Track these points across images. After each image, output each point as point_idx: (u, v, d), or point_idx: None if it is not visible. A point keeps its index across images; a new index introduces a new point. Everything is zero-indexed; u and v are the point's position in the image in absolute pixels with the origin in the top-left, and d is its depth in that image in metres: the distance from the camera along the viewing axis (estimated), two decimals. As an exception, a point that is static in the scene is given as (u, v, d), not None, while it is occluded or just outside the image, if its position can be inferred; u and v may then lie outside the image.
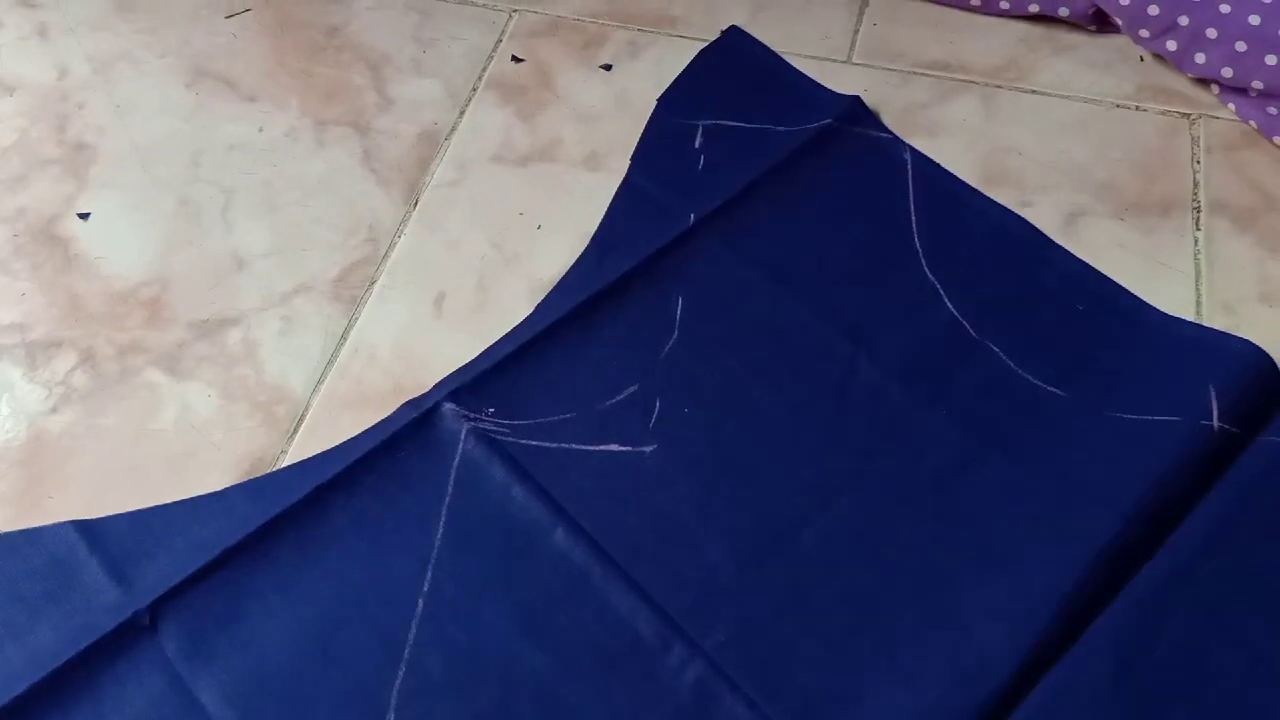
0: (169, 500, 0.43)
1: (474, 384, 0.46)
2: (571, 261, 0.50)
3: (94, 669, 0.39)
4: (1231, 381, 0.45)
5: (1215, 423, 0.44)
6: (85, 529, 0.42)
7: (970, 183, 0.53)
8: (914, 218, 0.51)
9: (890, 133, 0.55)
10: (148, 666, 0.39)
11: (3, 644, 0.39)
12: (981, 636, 0.39)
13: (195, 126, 0.56)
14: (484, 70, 0.57)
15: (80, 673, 0.38)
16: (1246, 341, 0.46)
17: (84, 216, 0.53)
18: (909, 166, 0.53)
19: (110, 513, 0.43)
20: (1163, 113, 0.55)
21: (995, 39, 0.58)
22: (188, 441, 0.45)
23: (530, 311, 0.49)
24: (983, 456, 0.43)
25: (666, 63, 0.57)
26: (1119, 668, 0.38)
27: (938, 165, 0.53)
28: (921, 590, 0.40)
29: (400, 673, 0.39)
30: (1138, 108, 0.55)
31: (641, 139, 0.55)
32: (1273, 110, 0.53)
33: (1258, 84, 0.53)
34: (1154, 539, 0.41)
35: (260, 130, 0.56)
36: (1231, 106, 0.55)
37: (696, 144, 0.54)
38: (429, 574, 0.41)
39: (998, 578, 0.40)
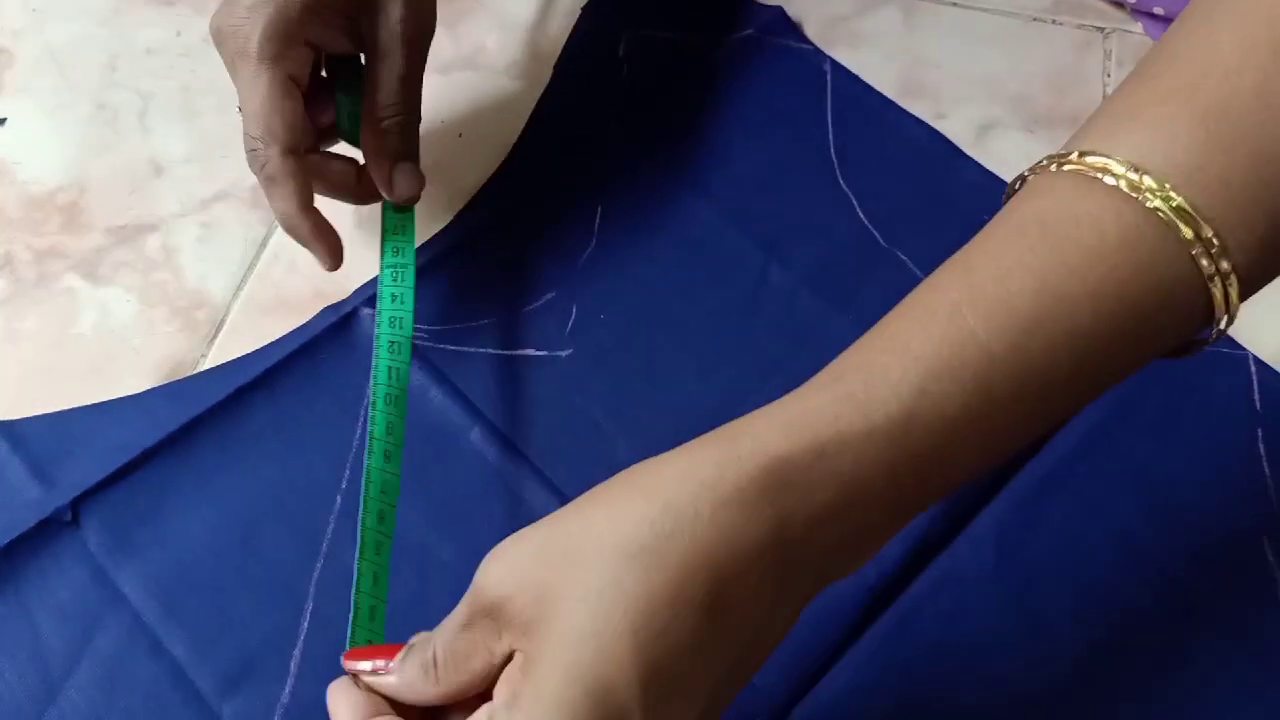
0: (89, 402, 0.44)
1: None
2: (492, 171, 0.51)
3: (17, 563, 0.40)
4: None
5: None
6: (6, 429, 0.42)
7: (888, 95, 0.54)
8: (830, 129, 0.52)
9: (811, 44, 0.55)
10: (70, 560, 0.40)
11: (-75, 540, 0.40)
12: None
13: (112, 30, 0.55)
14: (407, -24, 0.57)
15: (3, 566, 0.39)
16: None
17: (0, 121, 0.52)
18: (828, 78, 0.54)
19: (31, 414, 0.43)
20: (1078, 26, 0.56)
21: (918, -49, 0.58)
22: (107, 346, 0.46)
23: (450, 219, 0.49)
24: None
25: (591, -30, 0.57)
26: (1000, 555, 0.41)
27: (856, 78, 0.54)
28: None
29: (319, 565, 0.40)
30: (1054, 21, 0.56)
31: (564, 48, 0.55)
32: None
33: (1159, 9, 0.54)
34: (1038, 441, 0.43)
35: (178, 34, 0.55)
36: (1139, 26, 0.56)
37: (620, 53, 0.55)
38: (346, 472, 0.42)
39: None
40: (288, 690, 0.38)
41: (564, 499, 0.42)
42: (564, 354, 0.46)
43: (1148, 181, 0.29)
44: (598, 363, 0.46)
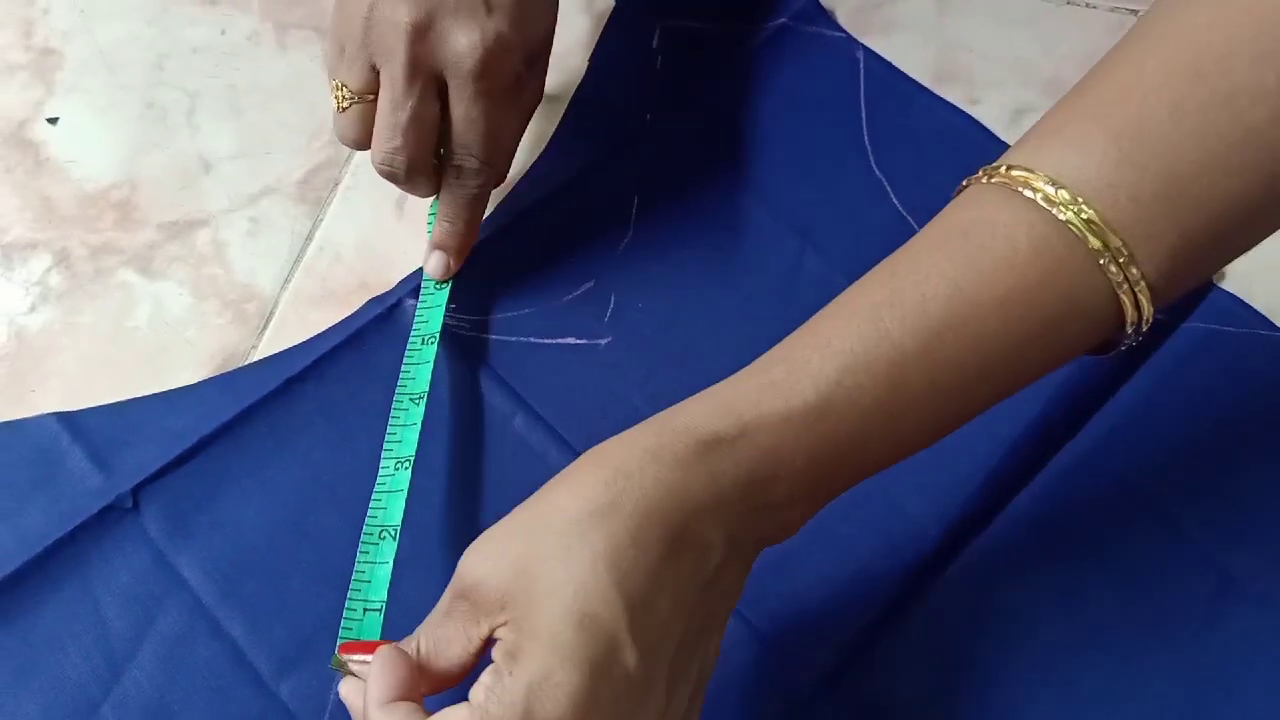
0: (146, 393, 0.45)
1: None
2: (531, 162, 0.52)
3: (81, 548, 0.41)
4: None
5: (1141, 310, 0.46)
6: (67, 420, 0.44)
7: (921, 80, 0.54)
8: (864, 116, 0.53)
9: (844, 31, 0.55)
10: (132, 545, 0.41)
11: (-7, 527, 0.42)
12: (911, 510, 0.42)
13: (159, 30, 0.57)
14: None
15: (68, 551, 0.41)
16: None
17: (53, 121, 0.54)
18: (861, 65, 0.54)
19: (90, 405, 0.45)
20: (1112, 9, 0.56)
21: (950, -64, 0.59)
22: (161, 338, 0.47)
23: (490, 211, 0.50)
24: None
25: (625, -38, 0.58)
26: (1036, 536, 0.41)
27: (889, 64, 0.54)
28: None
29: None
30: (1088, 4, 0.56)
31: (599, 40, 0.56)
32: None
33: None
34: (1077, 421, 0.44)
35: (223, 33, 0.56)
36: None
37: (654, 44, 0.55)
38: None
39: (929, 457, 0.43)
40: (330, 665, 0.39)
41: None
42: (603, 342, 0.47)
43: (1062, 195, 0.31)
44: (636, 350, 0.46)
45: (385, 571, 0.39)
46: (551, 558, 0.30)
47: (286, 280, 0.49)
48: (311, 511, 0.42)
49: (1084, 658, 0.40)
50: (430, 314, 0.46)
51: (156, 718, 0.38)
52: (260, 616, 0.40)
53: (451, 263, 0.46)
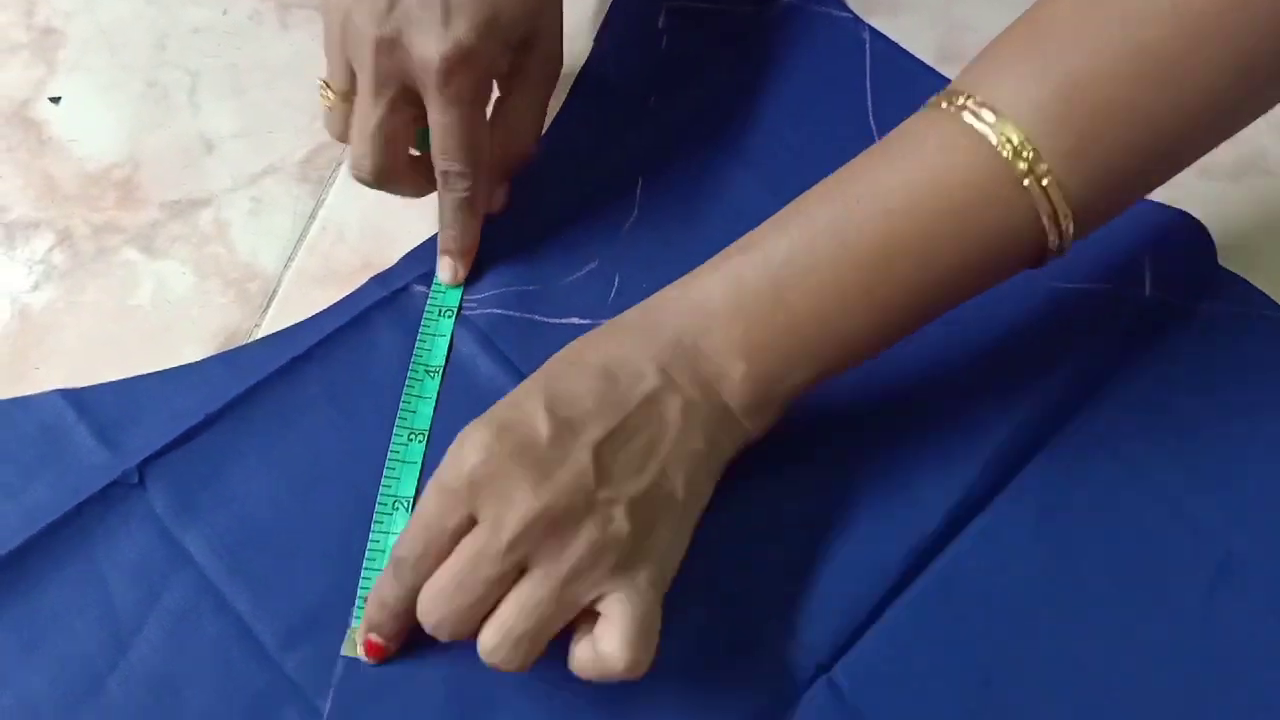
0: (149, 371, 0.45)
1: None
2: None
3: (87, 524, 0.41)
4: (1166, 251, 0.47)
5: (1147, 289, 0.46)
6: (72, 397, 0.44)
7: (927, 61, 0.54)
8: (870, 96, 0.53)
9: (850, 12, 0.55)
10: (138, 521, 0.41)
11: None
12: (916, 488, 0.42)
13: (160, 9, 0.56)
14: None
15: (74, 527, 0.41)
16: (1182, 212, 0.48)
17: (55, 100, 0.54)
18: (867, 45, 0.54)
19: (94, 383, 0.45)
20: (1116, -9, 0.56)
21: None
22: (165, 316, 0.47)
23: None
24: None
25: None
26: (1040, 516, 0.42)
27: (895, 44, 0.54)
28: (861, 447, 0.43)
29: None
30: (1092, -14, 0.56)
31: (604, 20, 0.55)
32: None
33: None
34: (1083, 400, 0.44)
35: (225, 13, 0.56)
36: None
37: (660, 24, 0.55)
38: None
39: (932, 436, 0.43)
40: (341, 653, 0.39)
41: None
42: (606, 322, 0.47)
43: (970, 104, 0.37)
44: (640, 329, 0.46)
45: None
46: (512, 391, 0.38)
47: (289, 259, 0.49)
48: (317, 489, 0.42)
49: (1085, 636, 0.40)
50: (448, 288, 0.46)
51: (162, 691, 0.38)
52: (266, 591, 0.40)
53: (458, 266, 0.47)
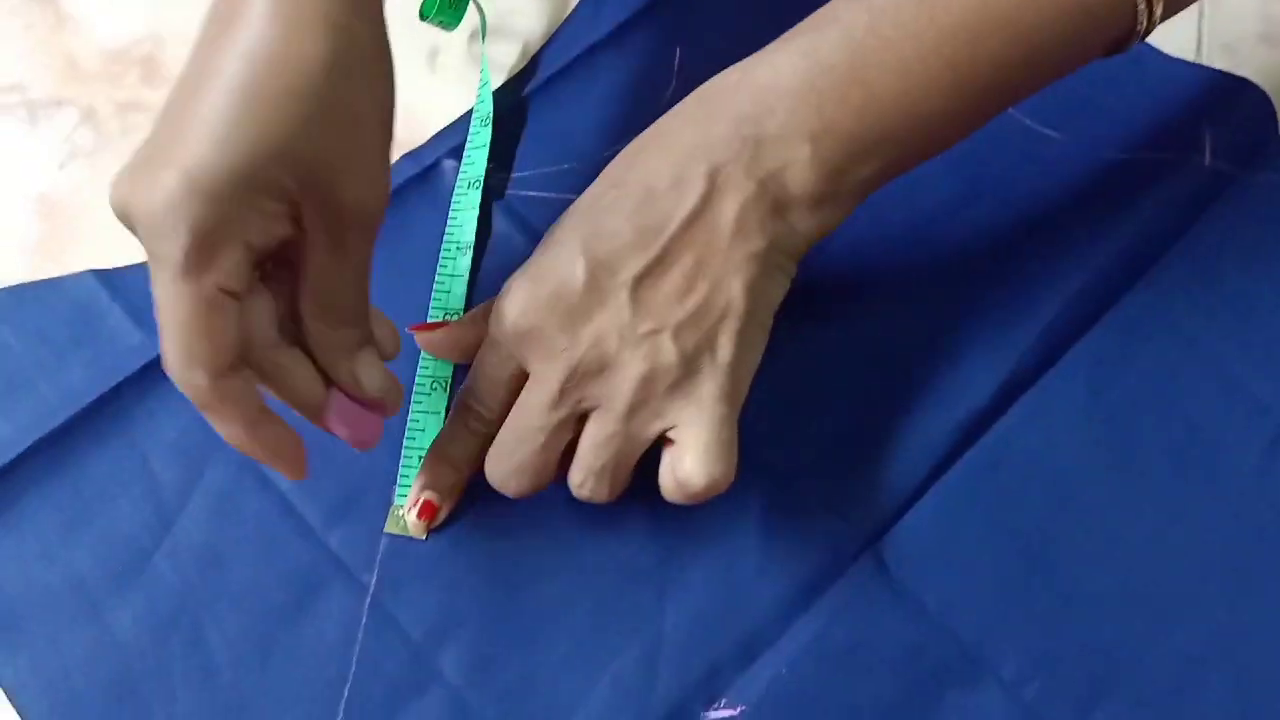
0: (182, 251, 0.44)
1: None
2: (568, 11, 0.50)
3: (125, 403, 0.41)
4: (1226, 120, 0.45)
5: (1207, 159, 0.44)
6: (105, 278, 0.43)
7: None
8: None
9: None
10: (177, 400, 0.40)
11: (37, 383, 0.41)
12: (965, 363, 0.41)
13: (176, -122, 0.54)
14: None
15: (113, 407, 0.41)
16: (1242, 79, 0.46)
17: (71, -24, 0.52)
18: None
19: (126, 264, 0.44)
20: None
21: None
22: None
23: (525, 64, 0.48)
24: (972, 200, 0.44)
25: None
26: (1091, 389, 0.41)
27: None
28: (910, 322, 0.42)
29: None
30: None
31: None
32: None
33: None
34: (1138, 272, 0.43)
35: (243, -119, 0.54)
36: None
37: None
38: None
39: (984, 311, 0.42)
40: (384, 529, 0.39)
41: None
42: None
43: None
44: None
45: (437, 421, 0.39)
46: (555, 223, 0.38)
47: (319, 137, 0.48)
48: (354, 369, 0.42)
49: (1134, 511, 0.39)
50: (476, 155, 0.45)
51: (209, 566, 0.39)
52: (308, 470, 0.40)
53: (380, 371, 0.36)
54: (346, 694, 0.37)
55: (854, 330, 0.42)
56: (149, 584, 0.38)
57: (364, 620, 0.38)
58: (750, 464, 0.39)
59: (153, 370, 0.42)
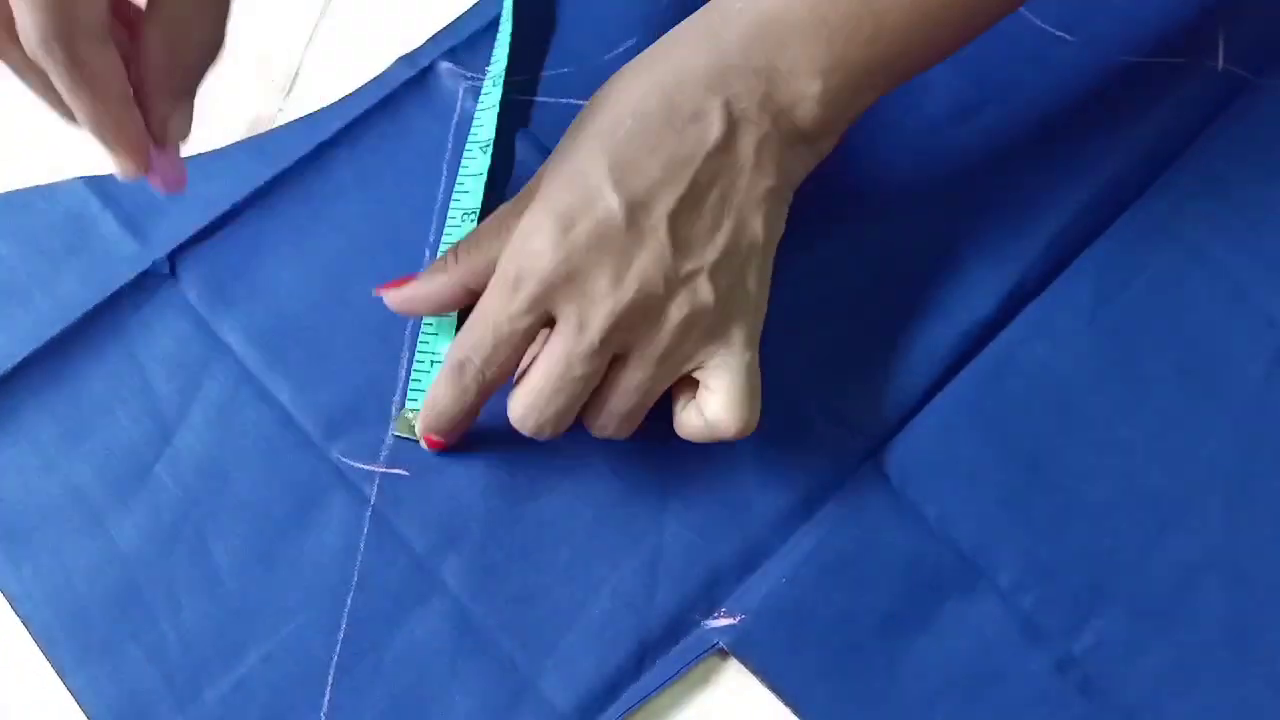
0: (171, 158, 0.43)
1: (469, 43, 0.45)
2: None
3: (120, 314, 0.41)
4: (1240, 23, 0.44)
5: (1220, 64, 0.43)
6: (96, 185, 0.43)
7: None
8: None
9: None
10: (172, 311, 0.41)
11: (31, 293, 0.41)
12: (971, 273, 0.41)
13: None
14: None
15: (108, 317, 0.40)
16: (1261, -18, 0.45)
17: None
18: None
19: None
20: None
21: None
22: (185, 101, 0.45)
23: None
24: (979, 105, 0.43)
25: None
26: (1097, 299, 0.40)
27: None
28: (917, 231, 0.42)
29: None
30: None
31: None
32: None
33: None
34: (1147, 180, 0.42)
35: None
36: None
37: None
38: (433, 224, 0.42)
39: (989, 219, 0.41)
40: (391, 432, 0.39)
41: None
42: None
43: None
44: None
45: (450, 327, 0.39)
46: (559, 150, 0.36)
47: (309, 40, 0.46)
48: (351, 278, 0.41)
49: (1136, 421, 0.39)
50: (499, 52, 0.44)
51: (210, 477, 0.39)
52: (306, 382, 0.40)
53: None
54: (349, 603, 0.37)
55: (856, 240, 0.41)
56: (150, 495, 0.38)
57: (365, 531, 0.38)
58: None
59: (148, 280, 0.41)
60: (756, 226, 0.35)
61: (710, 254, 0.34)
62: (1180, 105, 0.43)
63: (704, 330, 0.35)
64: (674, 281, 0.34)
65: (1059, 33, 0.44)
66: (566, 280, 0.34)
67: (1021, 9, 0.44)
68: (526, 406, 0.35)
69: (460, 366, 0.35)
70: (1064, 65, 0.43)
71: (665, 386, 0.36)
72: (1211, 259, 0.41)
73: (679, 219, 0.34)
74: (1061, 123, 0.43)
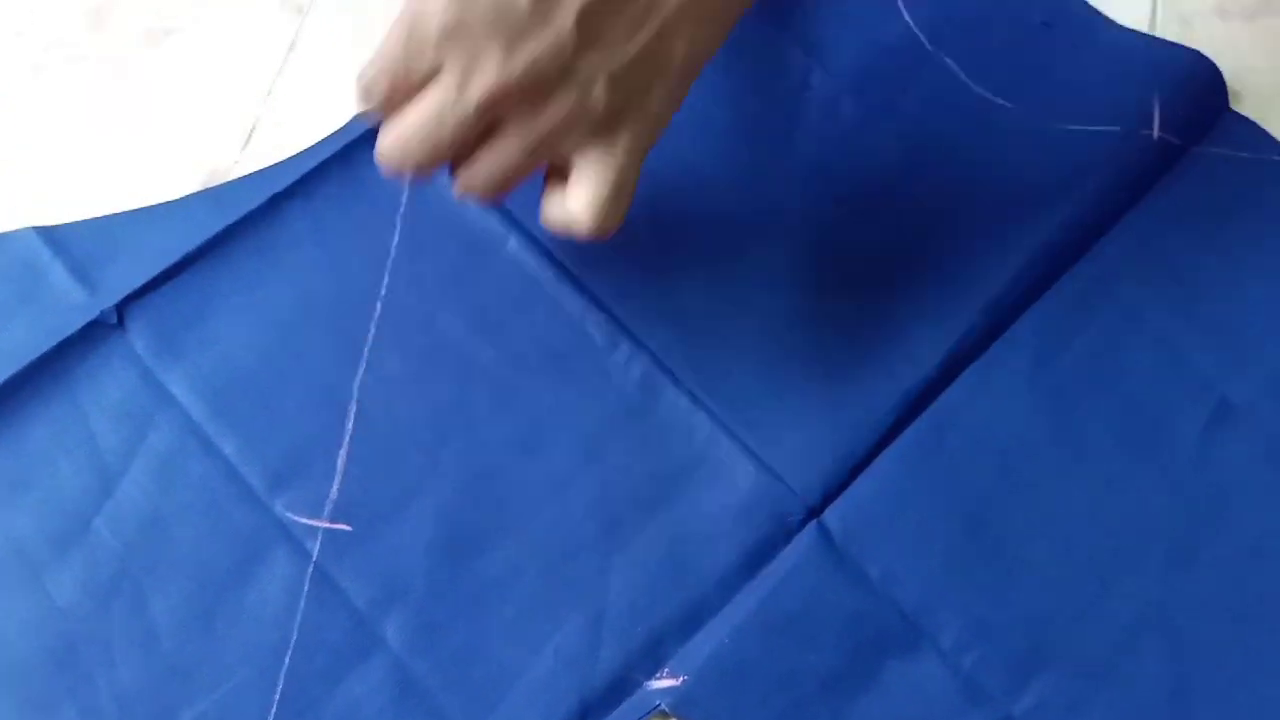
0: (127, 208, 0.43)
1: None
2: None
3: (68, 363, 0.40)
4: (1176, 92, 0.45)
5: (1156, 132, 0.44)
6: (46, 234, 0.42)
7: None
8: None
9: None
10: (119, 361, 0.40)
11: (-23, 341, 0.41)
12: (911, 335, 0.41)
13: None
14: None
15: (55, 367, 0.40)
16: (1195, 52, 0.46)
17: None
18: None
19: (69, 220, 0.43)
20: None
21: None
22: (142, 150, 0.45)
23: None
24: (919, 169, 0.44)
25: None
26: (1036, 363, 0.41)
27: None
28: (858, 292, 0.42)
29: (361, 368, 0.41)
30: None
31: None
32: None
33: None
34: (1085, 245, 0.43)
35: None
36: None
37: None
38: (385, 279, 0.42)
39: (931, 280, 0.42)
40: (335, 487, 0.39)
41: (601, 308, 0.42)
42: None
43: None
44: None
45: None
46: None
47: (269, 93, 0.47)
48: (302, 332, 0.42)
49: (1078, 481, 0.40)
50: None
51: (151, 531, 0.38)
52: (252, 435, 0.40)
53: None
54: (288, 662, 0.37)
55: (799, 299, 0.42)
56: (90, 549, 0.38)
57: (306, 588, 0.38)
58: (695, 432, 0.40)
59: (96, 330, 0.41)
60: (677, 42, 0.34)
61: (618, 57, 0.33)
62: (1117, 172, 0.44)
63: (587, 128, 0.34)
64: (569, 73, 0.33)
65: (999, 100, 0.45)
66: (457, 33, 0.32)
67: (962, 76, 0.45)
68: (390, 144, 0.34)
69: (365, 90, 0.35)
70: (1003, 131, 0.44)
71: (534, 167, 0.35)
72: (1149, 323, 0.42)
73: (592, 14, 0.32)
74: (1001, 188, 0.44)
